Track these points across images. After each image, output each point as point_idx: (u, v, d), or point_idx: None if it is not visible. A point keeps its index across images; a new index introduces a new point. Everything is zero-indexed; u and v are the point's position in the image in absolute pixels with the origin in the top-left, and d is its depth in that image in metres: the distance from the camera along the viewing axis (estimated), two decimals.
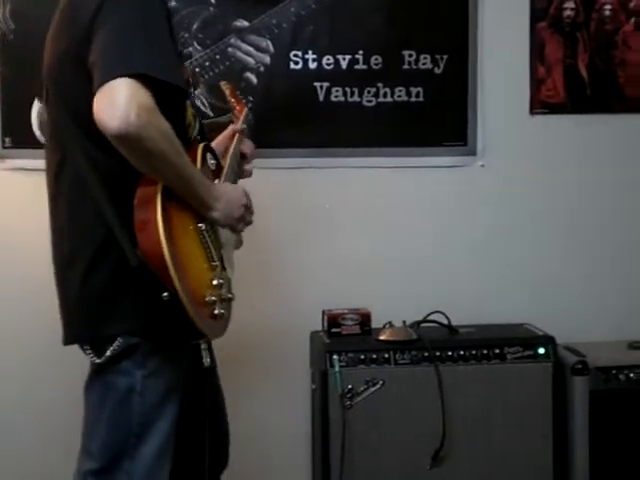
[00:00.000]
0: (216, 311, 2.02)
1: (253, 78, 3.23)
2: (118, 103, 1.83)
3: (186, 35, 3.18)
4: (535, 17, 3.36)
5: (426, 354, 3.02)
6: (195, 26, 3.18)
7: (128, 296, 1.99)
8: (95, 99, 1.86)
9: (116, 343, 2.02)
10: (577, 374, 3.07)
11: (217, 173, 2.25)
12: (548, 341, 3.11)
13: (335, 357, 2.98)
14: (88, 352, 2.06)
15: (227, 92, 2.66)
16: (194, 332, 1.97)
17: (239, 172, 2.48)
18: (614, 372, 3.11)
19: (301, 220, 3.30)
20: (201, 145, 2.19)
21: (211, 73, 3.21)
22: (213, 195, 2.08)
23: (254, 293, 3.27)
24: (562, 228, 3.44)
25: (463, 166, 3.38)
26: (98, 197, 1.99)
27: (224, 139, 2.52)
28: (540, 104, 3.39)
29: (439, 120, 3.37)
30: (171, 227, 1.91)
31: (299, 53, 3.24)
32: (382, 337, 3.08)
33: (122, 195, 1.94)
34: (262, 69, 3.24)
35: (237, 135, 2.50)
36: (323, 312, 3.16)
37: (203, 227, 2.04)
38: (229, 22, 3.21)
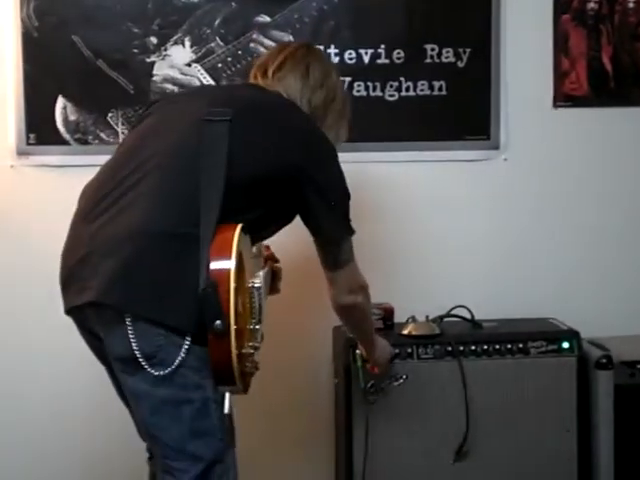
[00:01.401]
0: (247, 367, 2.09)
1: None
2: (355, 285, 2.45)
3: (208, 31, 3.18)
4: (559, 10, 3.34)
5: (449, 349, 3.02)
6: (217, 22, 3.18)
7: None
8: (339, 274, 2.42)
9: (182, 350, 2.01)
10: (601, 368, 3.06)
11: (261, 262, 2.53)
12: (572, 335, 3.09)
13: (358, 352, 2.97)
14: (144, 362, 2.02)
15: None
16: (228, 374, 2.01)
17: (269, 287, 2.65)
18: (639, 366, 3.10)
19: None
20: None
21: (233, 69, 3.22)
22: (380, 349, 2.80)
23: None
24: (587, 221, 3.42)
25: (486, 160, 3.37)
26: (210, 224, 2.04)
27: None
28: (563, 97, 3.38)
29: (462, 114, 3.36)
30: (239, 274, 2.02)
31: (321, 47, 3.23)
32: (405, 332, 3.08)
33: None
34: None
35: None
36: None
37: (257, 285, 2.15)
38: (251, 17, 3.21)
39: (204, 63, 3.20)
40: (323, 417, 3.30)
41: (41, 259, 3.13)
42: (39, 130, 3.19)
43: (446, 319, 3.20)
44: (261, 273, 2.36)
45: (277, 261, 2.79)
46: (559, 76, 3.37)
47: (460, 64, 3.32)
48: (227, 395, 2.08)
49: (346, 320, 2.57)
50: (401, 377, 2.98)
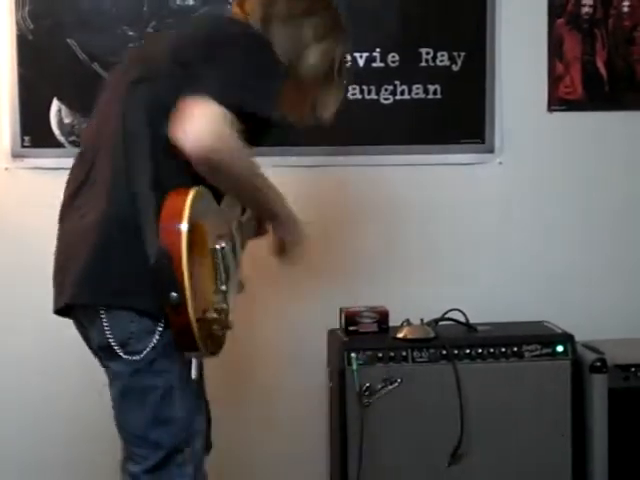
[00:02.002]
0: (214, 330, 2.09)
1: None
2: (199, 124, 1.95)
3: None
4: (553, 14, 3.35)
5: (444, 352, 3.02)
6: None
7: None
8: (182, 113, 1.96)
9: (153, 337, 2.04)
10: (596, 372, 3.06)
11: None
12: (567, 339, 3.09)
13: (353, 355, 2.98)
14: (119, 349, 2.06)
15: None
16: (191, 341, 2.01)
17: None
18: (633, 370, 3.09)
19: (318, 218, 3.29)
20: None
21: None
22: (287, 209, 2.31)
23: (271, 291, 3.27)
24: (580, 225, 3.43)
25: (481, 163, 3.37)
26: (145, 191, 2.04)
27: None
28: (558, 101, 3.38)
29: (457, 117, 3.36)
30: (193, 239, 1.98)
31: None
32: (400, 335, 3.08)
33: (164, 195, 2.02)
34: None
35: None
36: (340, 310, 3.15)
37: (219, 251, 2.11)
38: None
39: None
40: (317, 421, 3.30)
41: (36, 261, 3.13)
42: (34, 133, 3.19)
43: (441, 322, 3.20)
44: (234, 225, 2.34)
45: None
46: (554, 80, 3.37)
47: (455, 68, 3.33)
48: (193, 361, 2.09)
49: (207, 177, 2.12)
50: (396, 380, 2.98)
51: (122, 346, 2.07)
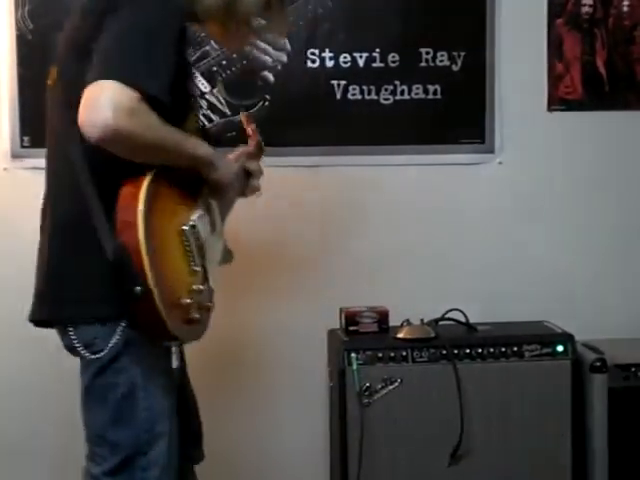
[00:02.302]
0: (191, 315, 2.01)
1: (270, 76, 3.24)
2: (97, 107, 1.85)
3: (203, 34, 3.18)
4: (553, 13, 3.35)
5: (444, 352, 3.02)
6: None
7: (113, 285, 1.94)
8: (82, 98, 1.87)
9: (115, 336, 2.01)
10: (596, 372, 3.06)
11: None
12: (567, 338, 3.09)
13: (353, 355, 2.98)
14: (82, 350, 2.05)
15: (243, 120, 2.63)
16: (164, 332, 1.94)
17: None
18: (633, 369, 3.10)
19: (318, 218, 3.30)
20: None
21: (228, 72, 3.22)
22: (215, 155, 2.14)
23: (272, 291, 3.27)
24: (580, 225, 3.43)
25: (481, 163, 3.37)
26: (84, 181, 2.00)
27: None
28: (558, 101, 3.38)
29: (457, 117, 3.36)
30: (153, 223, 1.92)
31: (316, 51, 3.25)
32: (400, 335, 3.08)
33: (110, 184, 1.94)
34: (279, 67, 3.24)
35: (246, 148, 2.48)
36: (341, 310, 3.15)
37: (188, 230, 2.04)
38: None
39: (199, 66, 3.20)
40: (318, 420, 3.30)
41: (34, 262, 3.14)
42: (33, 133, 3.18)
43: (441, 322, 3.20)
44: (205, 193, 2.23)
45: (259, 149, 2.57)
46: (553, 80, 3.37)
47: (455, 68, 3.33)
48: (173, 349, 2.03)
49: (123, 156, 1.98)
50: (396, 380, 2.98)
51: (87, 347, 2.05)
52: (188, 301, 2.00)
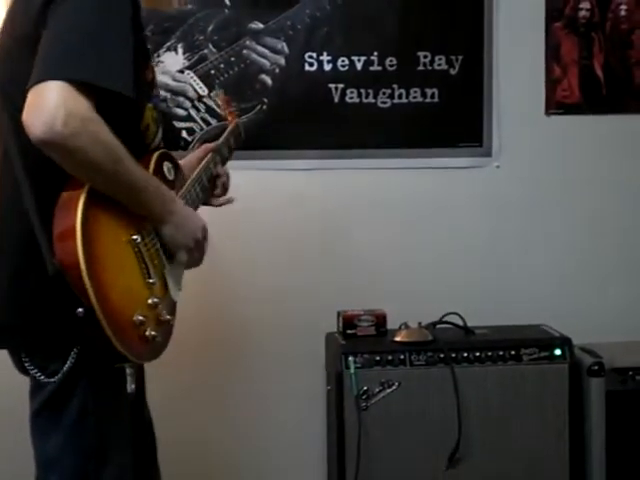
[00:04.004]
0: (147, 333, 1.84)
1: (268, 80, 3.24)
2: (45, 108, 1.69)
3: (201, 37, 3.19)
4: (550, 17, 3.35)
5: (442, 355, 3.02)
6: (210, 28, 3.18)
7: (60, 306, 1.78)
8: (27, 98, 1.72)
9: (70, 359, 1.87)
10: (593, 375, 3.06)
11: (174, 186, 2.07)
12: (564, 342, 3.10)
13: (350, 358, 2.97)
14: (36, 373, 1.91)
15: (221, 103, 2.59)
16: (113, 354, 1.78)
17: (204, 197, 2.27)
18: (630, 373, 3.10)
19: (316, 221, 3.30)
20: (158, 152, 2.04)
21: (226, 75, 3.22)
22: (170, 208, 1.95)
23: (269, 295, 3.27)
24: (578, 229, 3.43)
25: (478, 167, 3.38)
26: (25, 194, 1.84)
27: (194, 158, 2.36)
28: (555, 104, 3.39)
29: (454, 121, 3.36)
30: (96, 237, 1.76)
31: (314, 55, 3.25)
32: (397, 338, 3.08)
33: (49, 197, 1.78)
34: (277, 71, 3.24)
35: (209, 155, 2.35)
36: (338, 313, 3.16)
37: (138, 240, 1.86)
38: (244, 24, 3.22)
39: (197, 70, 3.21)
40: (315, 424, 3.30)
41: None
42: None
43: (439, 326, 3.20)
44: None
45: (238, 134, 2.47)
46: (551, 84, 3.38)
47: (452, 71, 3.33)
48: (127, 371, 1.88)
49: (67, 169, 1.79)
50: (393, 384, 2.98)
51: (40, 369, 1.90)
52: (141, 318, 1.82)
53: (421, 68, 3.32)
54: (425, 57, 3.31)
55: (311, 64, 3.26)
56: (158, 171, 2.01)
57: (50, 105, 1.69)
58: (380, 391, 2.99)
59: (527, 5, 3.34)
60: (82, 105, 1.71)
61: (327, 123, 3.29)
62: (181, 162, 2.21)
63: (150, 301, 1.87)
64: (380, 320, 3.14)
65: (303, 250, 3.31)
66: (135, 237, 1.86)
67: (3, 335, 1.94)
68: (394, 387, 2.99)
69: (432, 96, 3.33)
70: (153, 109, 2.03)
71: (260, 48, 3.22)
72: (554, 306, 3.37)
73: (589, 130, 3.40)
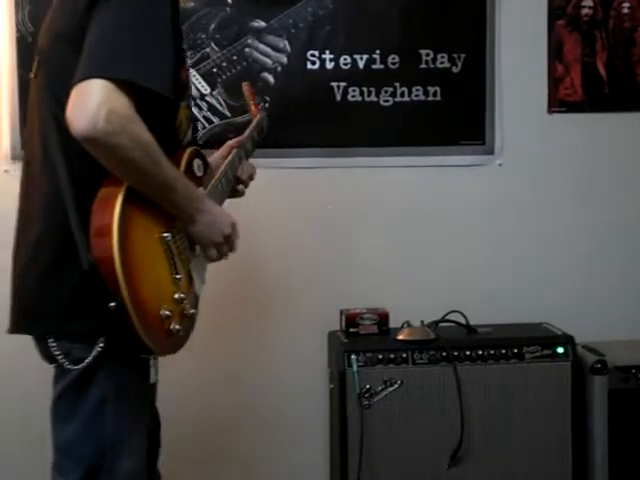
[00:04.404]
0: (171, 326, 1.92)
1: (270, 78, 3.24)
2: (88, 105, 1.76)
3: (203, 36, 3.18)
4: (553, 15, 3.35)
5: (444, 354, 3.02)
6: (212, 27, 3.18)
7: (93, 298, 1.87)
8: (71, 95, 1.79)
9: (95, 348, 1.93)
10: (596, 373, 3.06)
11: (202, 182, 2.15)
12: (567, 340, 3.10)
13: (353, 357, 2.98)
14: (62, 359, 1.97)
15: (246, 94, 2.65)
16: (140, 346, 1.88)
17: (228, 191, 2.34)
18: (633, 371, 3.10)
19: (318, 220, 3.30)
20: (190, 149, 2.12)
21: (228, 74, 3.22)
22: (198, 207, 2.02)
23: (272, 293, 3.27)
24: (580, 227, 3.43)
25: (481, 165, 3.37)
26: (65, 190, 1.92)
27: (221, 156, 2.43)
28: (558, 103, 3.38)
29: (457, 119, 3.36)
30: (130, 234, 1.84)
31: (316, 53, 3.25)
32: (400, 337, 3.08)
33: (88, 194, 1.86)
34: (279, 69, 3.24)
35: (233, 152, 2.41)
36: (341, 312, 3.16)
37: (169, 237, 1.95)
38: (246, 22, 3.22)
39: (199, 68, 3.21)
40: (318, 422, 3.30)
41: None
42: None
43: (441, 324, 3.20)
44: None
45: (261, 127, 2.55)
46: (553, 82, 3.37)
47: (455, 69, 3.33)
48: (151, 362, 2.00)
49: (106, 166, 1.87)
50: (396, 382, 2.98)
51: (66, 356, 1.97)
52: (167, 313, 1.91)
53: (423, 66, 3.31)
54: (427, 55, 3.31)
55: (313, 62, 3.26)
56: (189, 168, 2.09)
57: (93, 103, 1.76)
58: (382, 389, 2.99)
59: (530, 3, 3.34)
60: (124, 103, 1.78)
61: (329, 121, 3.29)
62: (209, 159, 2.28)
63: (176, 296, 1.95)
64: (382, 318, 3.14)
65: (305, 248, 3.31)
66: (166, 235, 1.94)
67: (35, 321, 2.00)
68: (396, 385, 2.99)
69: (434, 94, 3.33)
70: (186, 108, 2.10)
71: (262, 46, 3.22)
72: (556, 304, 3.37)
73: (592, 128, 3.40)
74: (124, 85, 1.79)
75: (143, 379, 2.02)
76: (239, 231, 2.16)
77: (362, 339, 3.09)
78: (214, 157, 2.41)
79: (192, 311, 2.03)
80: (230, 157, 2.38)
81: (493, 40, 3.32)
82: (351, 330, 3.11)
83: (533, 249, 3.41)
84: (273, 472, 3.34)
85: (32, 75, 2.08)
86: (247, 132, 2.54)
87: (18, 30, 3.14)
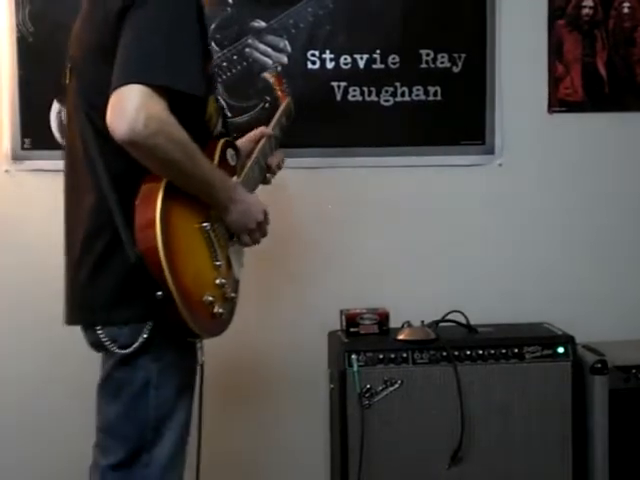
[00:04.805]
0: (215, 310, 2.06)
1: (270, 78, 3.24)
2: (127, 111, 1.87)
3: None
4: (553, 15, 3.35)
5: (444, 354, 3.02)
6: (212, 27, 3.18)
7: (139, 288, 1.99)
8: (109, 102, 1.90)
9: (141, 335, 2.04)
10: (596, 373, 3.06)
11: (235, 171, 2.26)
12: (567, 340, 3.09)
13: (353, 357, 2.97)
14: (109, 344, 2.07)
15: (271, 81, 2.70)
16: (187, 331, 2.01)
17: (261, 178, 2.47)
18: (634, 371, 3.09)
19: (318, 220, 3.30)
20: (222, 140, 2.22)
21: (228, 74, 3.22)
22: (232, 196, 2.13)
23: (273, 293, 3.27)
24: (580, 227, 3.43)
25: (481, 165, 3.37)
26: (108, 193, 2.03)
27: (250, 140, 2.53)
28: (558, 102, 3.38)
29: (457, 119, 3.36)
30: (172, 226, 1.95)
31: (316, 53, 3.25)
32: (400, 337, 3.08)
33: (130, 193, 1.97)
34: (279, 69, 3.24)
35: (263, 139, 2.51)
36: (341, 312, 3.16)
37: (207, 226, 2.07)
38: (246, 23, 3.22)
39: None
40: (318, 422, 3.30)
41: (37, 263, 3.14)
42: (34, 135, 3.19)
43: (441, 324, 3.20)
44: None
45: (289, 111, 2.69)
46: (554, 81, 3.37)
47: (455, 69, 3.33)
48: (198, 345, 2.12)
49: (147, 167, 1.99)
50: (396, 382, 2.98)
51: (113, 342, 2.07)
52: (210, 298, 2.03)
53: (424, 66, 3.31)
54: (428, 55, 3.31)
55: (313, 62, 3.26)
56: (222, 158, 2.20)
57: (131, 108, 1.87)
58: (383, 389, 2.99)
59: (530, 3, 3.34)
60: (160, 107, 1.90)
61: (329, 121, 3.29)
62: (239, 142, 2.41)
63: (218, 281, 2.09)
64: (383, 318, 3.14)
65: (305, 248, 3.31)
66: (205, 224, 2.06)
67: (85, 313, 2.12)
68: (397, 385, 2.99)
69: (435, 94, 3.33)
70: (214, 101, 2.21)
71: (262, 46, 3.22)
72: (557, 304, 3.36)
73: (592, 128, 3.40)
74: (159, 89, 1.90)
75: (187, 362, 2.14)
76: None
77: (362, 339, 3.09)
78: (243, 141, 2.51)
79: (233, 295, 2.16)
80: (261, 144, 2.49)
81: (493, 40, 3.32)
82: (351, 330, 3.11)
83: (533, 249, 3.41)
84: (273, 472, 3.34)
85: (67, 81, 2.17)
86: (275, 118, 2.65)
87: (19, 30, 3.15)
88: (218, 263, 2.10)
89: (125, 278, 2.01)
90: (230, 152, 2.25)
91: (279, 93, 2.76)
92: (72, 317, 2.16)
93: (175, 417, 2.12)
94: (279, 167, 2.57)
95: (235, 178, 2.23)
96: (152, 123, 1.87)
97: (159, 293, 1.92)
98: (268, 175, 2.53)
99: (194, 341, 2.11)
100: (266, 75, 2.72)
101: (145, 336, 2.04)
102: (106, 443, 2.13)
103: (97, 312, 2.09)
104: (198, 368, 2.18)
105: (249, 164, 2.36)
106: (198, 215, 2.06)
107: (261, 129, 2.57)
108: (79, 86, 2.10)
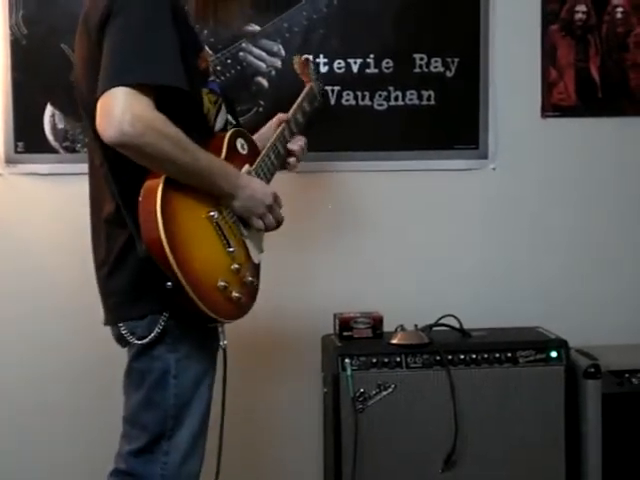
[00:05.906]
0: (232, 295, 2.11)
1: (264, 82, 3.24)
2: (113, 114, 1.93)
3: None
4: (547, 20, 3.36)
5: (438, 358, 3.02)
6: (206, 30, 3.18)
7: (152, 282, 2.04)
8: (97, 108, 1.96)
9: (157, 326, 2.10)
10: (590, 377, 3.06)
11: (249, 159, 2.30)
12: (560, 344, 3.10)
13: (347, 361, 2.97)
14: (129, 336, 2.14)
15: (296, 66, 2.80)
16: (205, 318, 2.05)
17: (278, 165, 2.49)
18: (627, 375, 3.10)
19: (312, 223, 3.30)
20: (231, 131, 2.27)
21: (222, 77, 3.22)
22: (236, 183, 2.16)
23: (265, 296, 3.27)
24: (574, 231, 3.43)
25: (475, 169, 3.38)
26: (116, 194, 2.11)
27: (271, 128, 2.59)
28: (552, 107, 3.39)
29: (451, 123, 3.37)
30: (176, 217, 2.00)
31: (310, 57, 3.24)
32: (394, 341, 3.08)
33: (136, 192, 2.02)
34: (273, 73, 3.24)
35: (282, 125, 2.56)
36: (335, 315, 3.16)
37: (215, 215, 2.10)
38: (240, 26, 3.21)
39: None
40: (312, 426, 3.30)
41: (31, 266, 3.13)
42: (27, 138, 3.18)
43: (435, 328, 3.20)
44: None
45: (313, 96, 2.79)
46: (547, 86, 3.38)
47: (449, 74, 3.34)
48: (220, 329, 2.18)
49: (143, 165, 2.05)
50: (390, 386, 2.98)
51: (132, 334, 2.14)
52: (224, 284, 2.08)
53: (417, 70, 3.32)
54: (421, 59, 3.32)
55: None
56: (232, 149, 2.24)
57: (117, 111, 1.93)
58: (376, 393, 2.99)
59: (523, 8, 3.35)
60: (144, 105, 1.95)
61: (323, 125, 3.28)
62: (255, 135, 2.50)
63: (232, 267, 2.14)
64: (376, 322, 3.14)
65: (299, 252, 3.31)
66: (212, 213, 2.10)
67: (110, 312, 2.21)
68: (390, 389, 2.99)
69: (428, 98, 3.34)
70: (209, 93, 2.24)
71: (256, 50, 3.23)
72: (550, 308, 3.37)
73: (585, 133, 3.41)
74: (140, 87, 1.94)
75: (206, 351, 2.20)
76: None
77: (356, 343, 3.08)
78: (264, 131, 2.60)
79: (251, 279, 2.22)
80: (279, 131, 2.54)
81: (487, 45, 3.33)
82: (345, 334, 3.11)
83: (527, 253, 3.42)
84: (267, 475, 3.33)
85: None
86: (296, 104, 2.70)
87: (12, 33, 3.14)
88: (231, 249, 2.14)
89: (138, 274, 2.08)
90: (240, 141, 2.29)
91: (304, 79, 2.79)
92: (106, 318, 2.24)
93: (195, 404, 2.18)
94: (303, 152, 2.61)
95: (247, 166, 2.26)
96: (138, 122, 1.92)
97: (169, 283, 1.97)
98: (292, 160, 2.58)
99: (215, 326, 2.16)
100: (294, 59, 2.78)
101: (161, 327, 2.10)
102: (130, 432, 2.20)
103: (117, 310, 2.17)
104: (221, 352, 2.23)
105: (264, 151, 2.41)
106: (206, 205, 2.10)
107: (279, 115, 2.62)
108: (80, 100, 2.19)
